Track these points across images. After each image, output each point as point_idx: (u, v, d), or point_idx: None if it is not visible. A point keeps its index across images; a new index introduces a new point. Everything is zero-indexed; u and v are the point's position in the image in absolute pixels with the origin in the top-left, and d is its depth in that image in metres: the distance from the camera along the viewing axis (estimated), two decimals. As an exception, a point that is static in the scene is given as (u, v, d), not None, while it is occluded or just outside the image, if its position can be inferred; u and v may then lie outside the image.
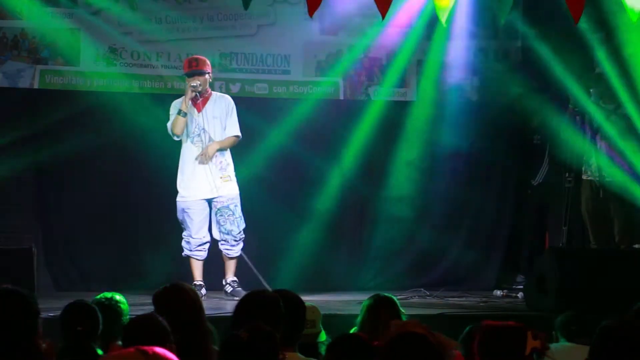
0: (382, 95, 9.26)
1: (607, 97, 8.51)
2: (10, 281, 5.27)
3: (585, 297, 7.15)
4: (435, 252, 9.39)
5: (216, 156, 7.97)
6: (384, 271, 9.32)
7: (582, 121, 8.54)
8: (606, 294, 7.10)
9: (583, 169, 8.56)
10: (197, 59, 7.95)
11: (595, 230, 8.55)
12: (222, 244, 8.02)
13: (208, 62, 8.01)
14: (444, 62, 9.27)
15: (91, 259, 8.85)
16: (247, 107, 8.94)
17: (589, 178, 8.54)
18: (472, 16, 9.03)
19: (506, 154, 9.56)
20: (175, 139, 8.01)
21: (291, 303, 4.32)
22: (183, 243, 8.07)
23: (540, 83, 9.07)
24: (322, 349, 4.58)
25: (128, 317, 4.85)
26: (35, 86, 8.69)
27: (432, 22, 8.85)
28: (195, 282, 7.90)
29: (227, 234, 7.99)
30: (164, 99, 8.88)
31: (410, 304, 7.79)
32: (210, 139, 7.97)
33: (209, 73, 7.97)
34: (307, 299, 4.71)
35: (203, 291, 7.90)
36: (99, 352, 4.41)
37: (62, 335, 4.37)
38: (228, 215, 7.99)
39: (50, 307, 6.26)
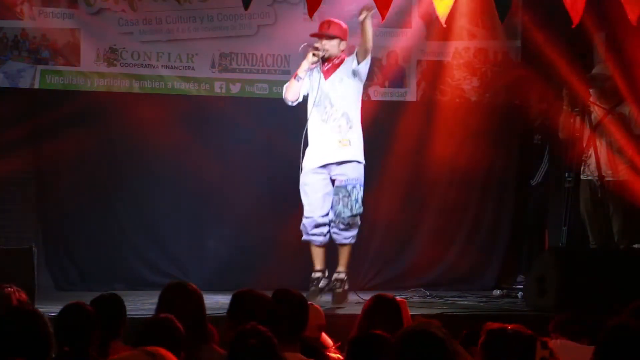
0: (382, 95, 9.26)
1: (606, 96, 8.51)
2: (10, 281, 5.31)
3: (585, 297, 7.16)
4: (435, 252, 9.39)
5: (335, 119, 7.60)
6: (384, 271, 9.32)
7: (581, 121, 8.54)
8: (606, 294, 7.10)
9: (581, 168, 8.56)
10: (330, 22, 7.66)
11: (595, 230, 8.55)
12: (331, 226, 7.63)
13: (345, 28, 7.72)
14: (443, 62, 9.27)
15: (91, 259, 8.85)
16: (247, 107, 8.96)
17: (588, 178, 8.54)
18: (472, 16, 9.03)
19: (506, 154, 9.56)
20: (289, 104, 7.70)
21: (293, 302, 4.32)
22: (301, 226, 7.72)
23: (539, 83, 9.06)
24: None
25: (127, 317, 4.85)
26: (36, 86, 8.69)
27: (432, 22, 8.86)
28: (313, 274, 7.70)
29: (338, 216, 7.58)
30: (164, 99, 8.89)
31: (411, 304, 7.78)
32: (333, 105, 7.59)
33: (341, 39, 7.67)
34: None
35: (322, 283, 7.62)
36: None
37: (56, 339, 4.35)
38: (343, 196, 7.55)
39: (51, 307, 6.27)
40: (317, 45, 7.61)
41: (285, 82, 8.17)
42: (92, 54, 8.75)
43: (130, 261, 8.90)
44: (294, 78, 7.65)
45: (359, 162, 7.70)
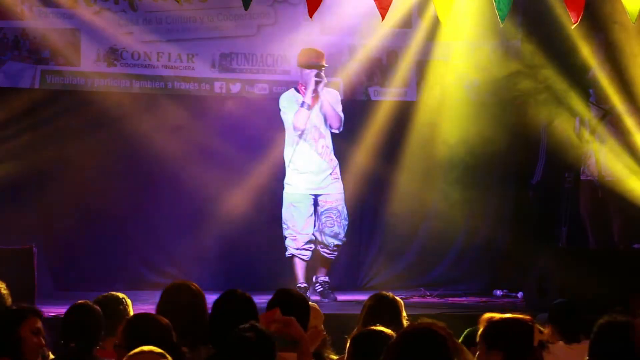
0: (382, 95, 9.27)
1: (605, 97, 8.52)
2: (10, 281, 5.31)
3: (585, 297, 7.15)
4: (435, 252, 9.40)
5: (330, 154, 7.94)
6: (384, 271, 9.33)
7: (581, 121, 8.54)
8: (606, 294, 7.10)
9: (581, 169, 8.56)
10: (317, 52, 7.90)
11: (595, 230, 8.55)
12: (321, 246, 7.94)
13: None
14: (443, 62, 9.27)
15: (91, 259, 8.85)
16: (247, 107, 8.96)
17: (588, 178, 8.54)
18: (472, 16, 9.03)
19: (506, 154, 9.56)
20: (296, 132, 7.87)
21: (294, 303, 4.32)
22: (287, 242, 7.96)
23: (539, 83, 9.06)
24: None
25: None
26: (36, 86, 8.70)
27: (432, 22, 8.86)
28: (299, 285, 7.83)
29: (334, 236, 7.93)
30: (164, 99, 8.89)
31: (411, 304, 7.79)
32: (320, 134, 7.91)
33: (325, 67, 7.93)
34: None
35: (309, 292, 7.80)
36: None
37: (63, 337, 4.35)
38: (336, 217, 7.92)
39: (51, 307, 6.28)
40: (319, 77, 7.77)
41: (286, 82, 8.19)
42: (92, 54, 8.75)
43: (130, 261, 8.91)
44: (303, 107, 7.79)
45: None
